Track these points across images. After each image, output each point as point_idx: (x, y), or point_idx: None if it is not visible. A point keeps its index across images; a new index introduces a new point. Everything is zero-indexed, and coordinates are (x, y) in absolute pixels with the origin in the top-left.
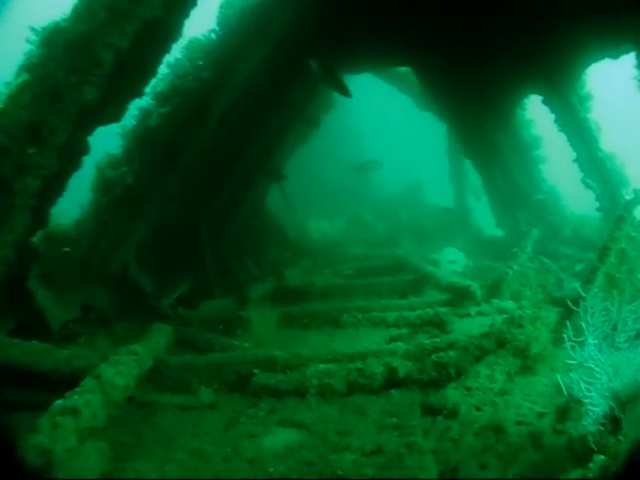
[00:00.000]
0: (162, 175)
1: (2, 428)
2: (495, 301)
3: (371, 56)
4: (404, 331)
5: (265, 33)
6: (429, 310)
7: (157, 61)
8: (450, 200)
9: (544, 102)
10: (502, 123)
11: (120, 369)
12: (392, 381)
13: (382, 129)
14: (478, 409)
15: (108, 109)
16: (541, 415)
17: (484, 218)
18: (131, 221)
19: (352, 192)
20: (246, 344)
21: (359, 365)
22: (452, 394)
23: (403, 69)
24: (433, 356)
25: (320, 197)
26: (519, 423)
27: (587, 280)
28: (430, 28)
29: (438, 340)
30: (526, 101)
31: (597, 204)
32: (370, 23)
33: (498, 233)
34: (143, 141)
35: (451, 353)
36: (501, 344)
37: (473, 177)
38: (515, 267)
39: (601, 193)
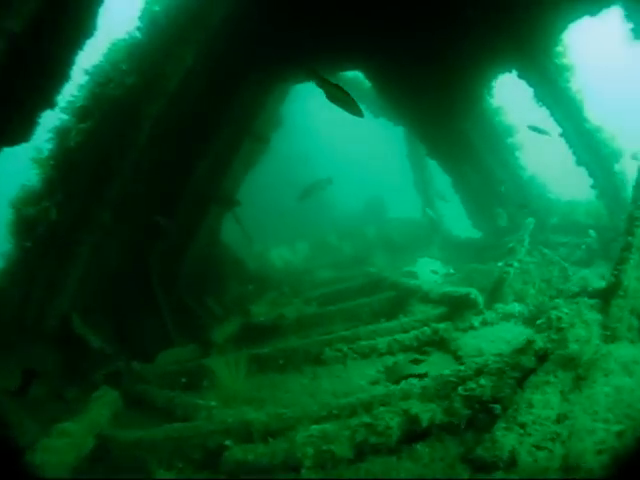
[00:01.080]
0: (91, 207)
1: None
2: (499, 306)
3: (317, 59)
4: (400, 357)
5: (198, 29)
6: (425, 329)
7: (67, 59)
8: (417, 209)
9: (520, 76)
10: (470, 113)
11: (49, 457)
12: (414, 433)
13: (332, 144)
14: (542, 449)
15: (11, 123)
16: (621, 434)
17: (457, 222)
18: (63, 265)
19: (310, 215)
20: (212, 402)
21: (366, 419)
22: (503, 437)
23: (350, 74)
24: (460, 389)
25: (277, 224)
26: (600, 452)
27: (620, 261)
28: (377, 22)
29: (461, 368)
30: (493, 86)
31: (590, 182)
32: (313, 23)
33: (474, 235)
34: (63, 166)
35: (483, 381)
36: (542, 357)
37: (439, 180)
38: (515, 264)
39: (594, 168)
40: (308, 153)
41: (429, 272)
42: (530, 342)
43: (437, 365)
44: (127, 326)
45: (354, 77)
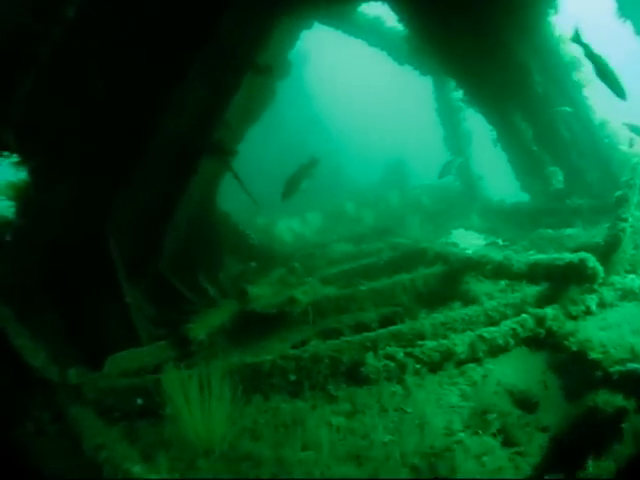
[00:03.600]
0: None
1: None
2: (617, 279)
3: None
4: (491, 366)
5: None
6: (525, 317)
7: None
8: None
9: None
10: (527, 40)
11: None
12: None
13: (345, 107)
14: None
15: None
16: None
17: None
18: None
19: (322, 182)
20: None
21: None
22: None
23: (368, 17)
24: None
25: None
26: None
27: None
28: None
29: None
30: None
31: None
32: None
33: (522, 198)
34: None
35: None
36: None
37: (477, 136)
38: (630, 219)
39: None
40: (318, 118)
41: (472, 244)
42: None
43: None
44: (78, 315)
45: (375, 18)
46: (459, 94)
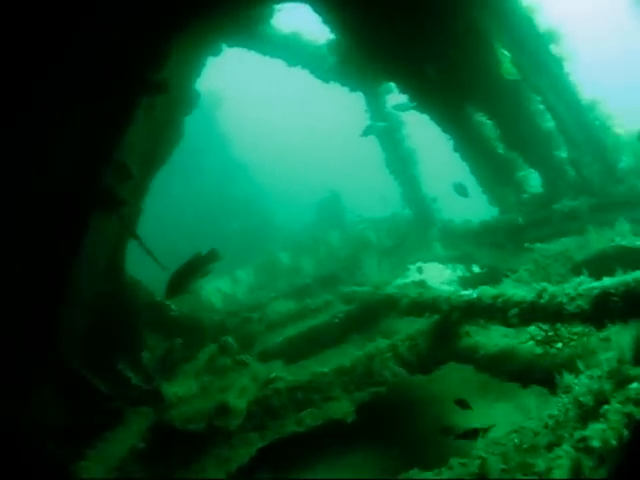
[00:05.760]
0: None
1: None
2: None
3: None
4: None
5: None
6: None
7: None
8: (393, 202)
9: None
10: (489, 14)
11: None
12: None
13: (267, 140)
14: None
15: None
16: None
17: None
18: None
19: (250, 236)
20: None
21: None
22: None
23: (284, 33)
24: None
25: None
26: None
27: None
28: None
29: None
30: None
31: None
32: None
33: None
34: None
35: None
36: None
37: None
38: None
39: None
40: (239, 162)
41: (444, 279)
42: None
43: None
44: None
45: (292, 34)
46: (400, 106)
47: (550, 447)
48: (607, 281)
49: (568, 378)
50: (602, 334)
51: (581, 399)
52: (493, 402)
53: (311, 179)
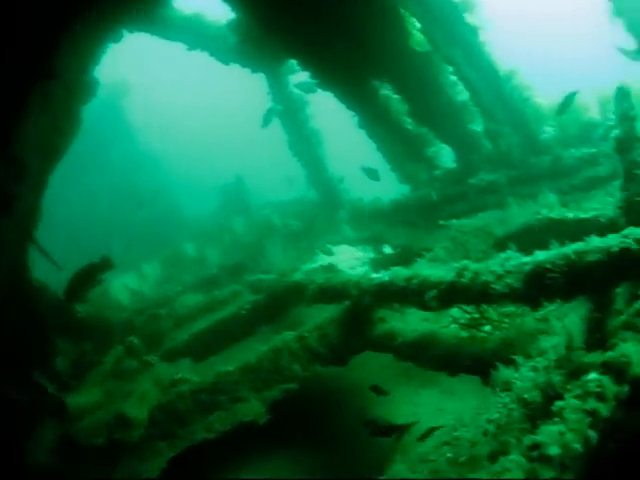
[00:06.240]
0: None
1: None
2: None
3: None
4: None
5: None
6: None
7: None
8: (299, 185)
9: None
10: None
11: None
12: None
13: (174, 129)
14: None
15: None
16: None
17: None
18: None
19: (158, 228)
20: None
21: None
22: None
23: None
24: None
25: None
26: None
27: None
28: None
29: None
30: None
31: None
32: None
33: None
34: None
35: None
36: None
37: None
38: None
39: None
40: (146, 152)
41: (355, 263)
42: None
43: None
44: None
45: (194, 15)
46: (303, 85)
47: (494, 457)
48: (540, 255)
49: (506, 373)
50: (538, 314)
51: (526, 396)
52: (418, 388)
53: (218, 164)
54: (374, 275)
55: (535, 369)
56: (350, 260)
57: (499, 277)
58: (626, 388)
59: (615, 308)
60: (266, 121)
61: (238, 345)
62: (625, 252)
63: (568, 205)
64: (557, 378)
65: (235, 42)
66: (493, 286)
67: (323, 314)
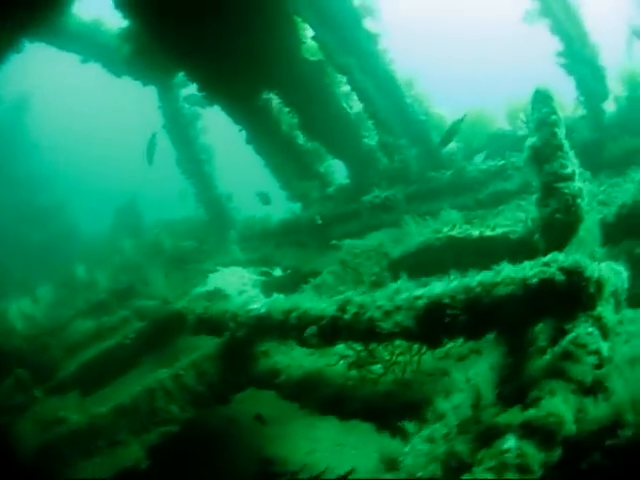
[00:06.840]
0: None
1: None
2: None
3: None
4: None
5: None
6: None
7: None
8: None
9: None
10: None
11: None
12: None
13: (75, 145)
14: None
15: None
16: None
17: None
18: None
19: (51, 246)
20: None
21: None
22: None
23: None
24: None
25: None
26: None
27: None
28: None
29: None
30: None
31: None
32: None
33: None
34: None
35: None
36: None
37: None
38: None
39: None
40: (46, 169)
41: (244, 287)
42: None
43: None
44: None
45: (92, 22)
46: (192, 98)
47: None
48: (437, 287)
49: (392, 445)
50: (437, 354)
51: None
52: (315, 421)
53: (117, 180)
54: (252, 306)
55: (431, 439)
56: (240, 283)
57: (387, 314)
58: (558, 452)
59: (536, 347)
60: (150, 155)
61: (126, 376)
62: (547, 284)
63: (472, 222)
64: (461, 447)
65: (126, 53)
66: (380, 324)
67: (209, 344)
